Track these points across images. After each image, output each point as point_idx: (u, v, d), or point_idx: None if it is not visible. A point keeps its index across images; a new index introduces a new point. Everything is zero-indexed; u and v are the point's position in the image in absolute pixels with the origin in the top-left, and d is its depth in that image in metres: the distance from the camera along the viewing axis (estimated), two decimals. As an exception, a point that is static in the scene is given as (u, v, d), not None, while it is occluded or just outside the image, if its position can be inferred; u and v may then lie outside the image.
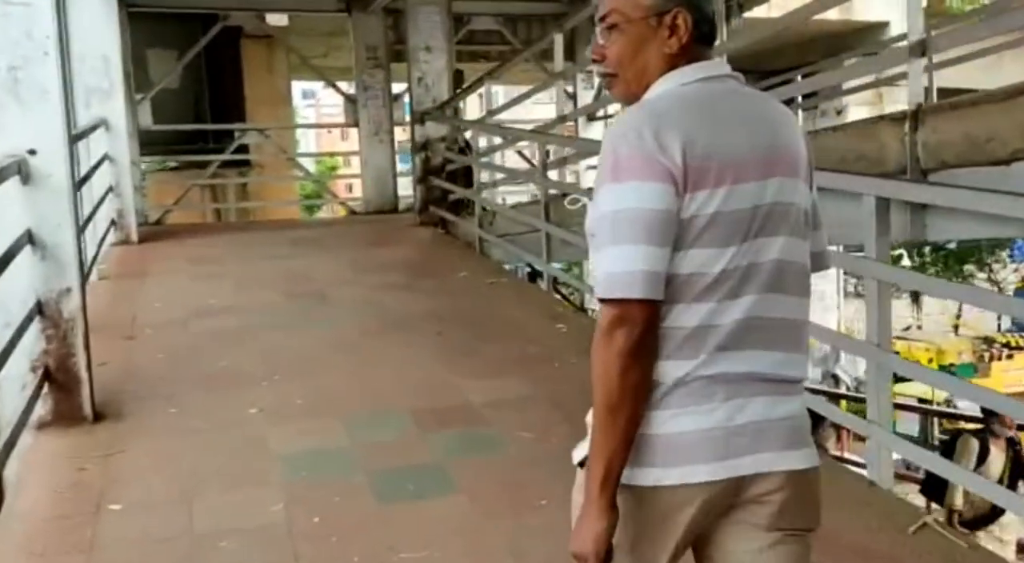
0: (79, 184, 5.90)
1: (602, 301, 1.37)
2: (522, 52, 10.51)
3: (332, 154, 17.65)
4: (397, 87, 11.50)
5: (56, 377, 3.65)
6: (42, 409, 3.63)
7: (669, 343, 1.40)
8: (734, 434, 1.41)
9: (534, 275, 9.23)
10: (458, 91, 8.90)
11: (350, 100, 11.26)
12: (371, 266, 6.83)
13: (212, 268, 6.82)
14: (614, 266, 1.36)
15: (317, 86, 25.14)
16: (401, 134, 11.43)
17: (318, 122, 27.22)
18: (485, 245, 7.26)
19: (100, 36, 7.84)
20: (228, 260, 7.20)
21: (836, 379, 17.38)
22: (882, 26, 14.50)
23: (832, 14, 14.24)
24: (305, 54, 14.25)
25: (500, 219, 7.54)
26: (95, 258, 6.57)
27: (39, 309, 3.63)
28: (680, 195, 1.37)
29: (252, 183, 12.71)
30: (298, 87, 23.67)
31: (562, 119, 8.59)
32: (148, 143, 11.86)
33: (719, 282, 1.40)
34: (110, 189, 7.86)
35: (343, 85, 12.45)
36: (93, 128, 7.30)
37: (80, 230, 4.46)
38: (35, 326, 3.61)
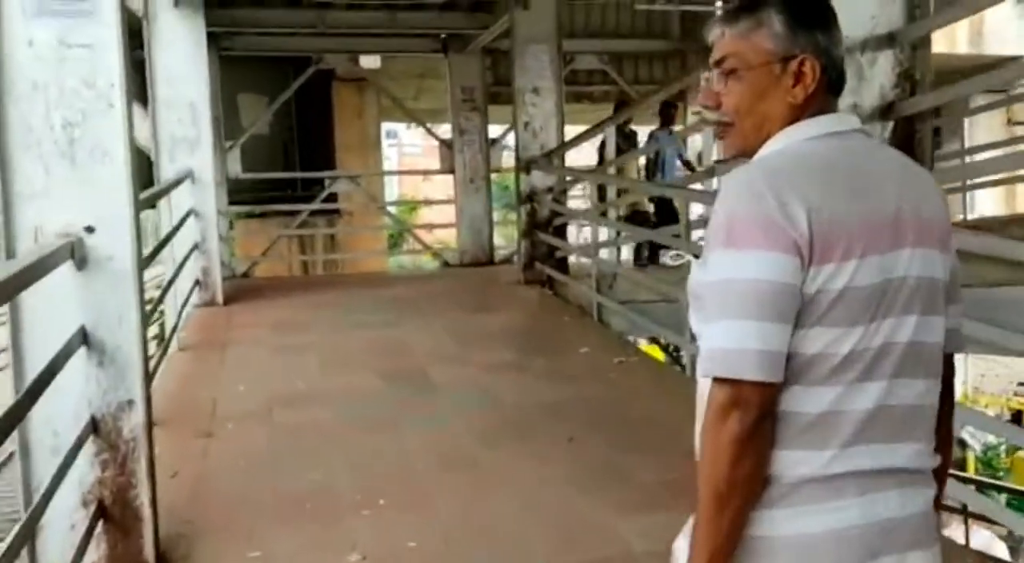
0: (153, 254, 5.30)
1: (714, 380, 1.23)
2: (641, 94, 9.72)
3: (426, 203, 17.06)
4: (494, 131, 10.84)
5: (112, 513, 2.90)
6: (94, 554, 2.89)
7: (789, 430, 1.26)
8: (869, 534, 1.26)
9: (668, 349, 8.34)
10: (574, 137, 8.11)
11: (445, 145, 10.61)
12: (475, 337, 6.04)
13: (299, 338, 6.12)
14: (726, 342, 1.22)
15: (399, 126, 24.73)
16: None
17: (401, 165, 26.93)
18: (604, 311, 6.41)
19: (188, 82, 7.32)
20: (316, 326, 6.50)
21: (963, 444, 15.85)
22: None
23: (963, 45, 13.12)
24: (400, 95, 13.81)
25: (622, 281, 6.67)
26: (176, 326, 5.95)
27: (93, 427, 2.90)
28: (804, 268, 1.22)
29: (340, 233, 12.14)
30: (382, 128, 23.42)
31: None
32: (236, 191, 11.43)
33: (847, 364, 1.25)
34: (195, 247, 7.28)
35: (436, 128, 11.84)
36: (176, 182, 6.73)
37: (148, 317, 3.74)
38: (87, 449, 2.89)
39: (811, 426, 1.26)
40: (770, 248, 1.22)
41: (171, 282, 6.02)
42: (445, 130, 11.02)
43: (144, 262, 4.36)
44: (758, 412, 1.22)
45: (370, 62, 11.26)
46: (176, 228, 6.63)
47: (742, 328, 1.22)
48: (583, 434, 4.08)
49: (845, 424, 1.26)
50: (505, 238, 12.98)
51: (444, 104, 15.09)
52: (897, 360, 1.28)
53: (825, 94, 1.35)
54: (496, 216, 11.12)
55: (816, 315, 1.24)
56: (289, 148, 13.02)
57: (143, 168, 8.68)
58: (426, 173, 15.31)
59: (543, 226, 7.89)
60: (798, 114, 1.34)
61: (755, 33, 1.34)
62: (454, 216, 10.44)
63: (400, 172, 24.30)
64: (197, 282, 7.31)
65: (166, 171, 7.24)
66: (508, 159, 11.89)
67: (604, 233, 7.33)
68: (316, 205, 10.57)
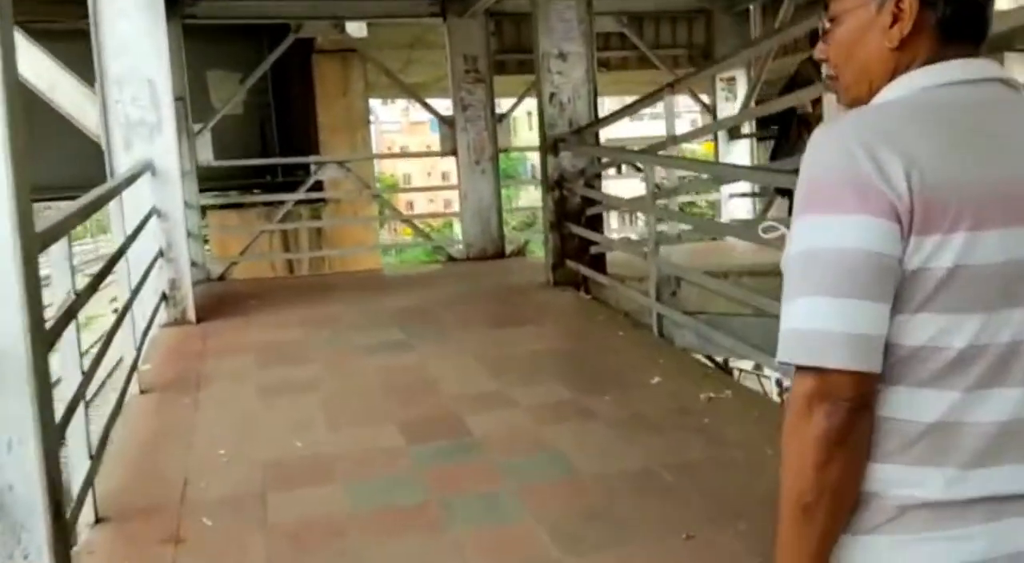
0: (101, 275, 4.06)
1: (796, 370, 1.02)
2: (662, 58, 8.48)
3: (428, 189, 15.68)
4: (500, 105, 9.58)
5: None
6: None
7: (895, 441, 1.04)
8: None
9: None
10: (619, 110, 6.88)
11: (445, 122, 9.34)
12: (512, 363, 4.85)
13: (293, 370, 4.89)
14: (806, 322, 1.01)
15: (374, 103, 23.36)
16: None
17: (379, 145, 25.52)
18: (664, 323, 5.21)
19: (145, 55, 6.02)
20: (312, 352, 5.27)
21: None
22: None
23: None
24: (378, 70, 12.48)
25: (686, 288, 5.46)
26: (136, 360, 4.70)
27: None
28: (904, 237, 1.00)
29: (328, 225, 10.86)
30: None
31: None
32: (207, 179, 10.11)
33: (965, 363, 1.02)
34: (160, 254, 6.02)
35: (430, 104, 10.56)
36: (132, 177, 5.45)
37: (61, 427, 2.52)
38: None
39: (923, 438, 1.03)
40: (861, 211, 1.00)
41: (129, 303, 4.77)
42: (443, 106, 9.75)
43: (86, 294, 3.14)
44: (850, 406, 1.01)
45: (356, 30, 9.94)
46: (134, 233, 5.38)
47: (826, 306, 1.00)
48: (702, 525, 2.89)
49: (969, 438, 1.03)
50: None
51: (437, 76, 13.82)
52: None
53: (937, 36, 1.11)
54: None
55: (920, 298, 1.01)
56: (266, 130, 11.68)
57: (93, 158, 7.40)
58: (426, 155, 13.97)
59: (574, 216, 6.68)
60: (903, 62, 1.12)
61: None
62: (449, 203, 9.22)
63: (398, 155, 22.96)
64: (164, 297, 6.07)
65: (120, 163, 5.96)
66: (520, 137, 10.61)
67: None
68: (301, 195, 9.26)
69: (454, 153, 9.33)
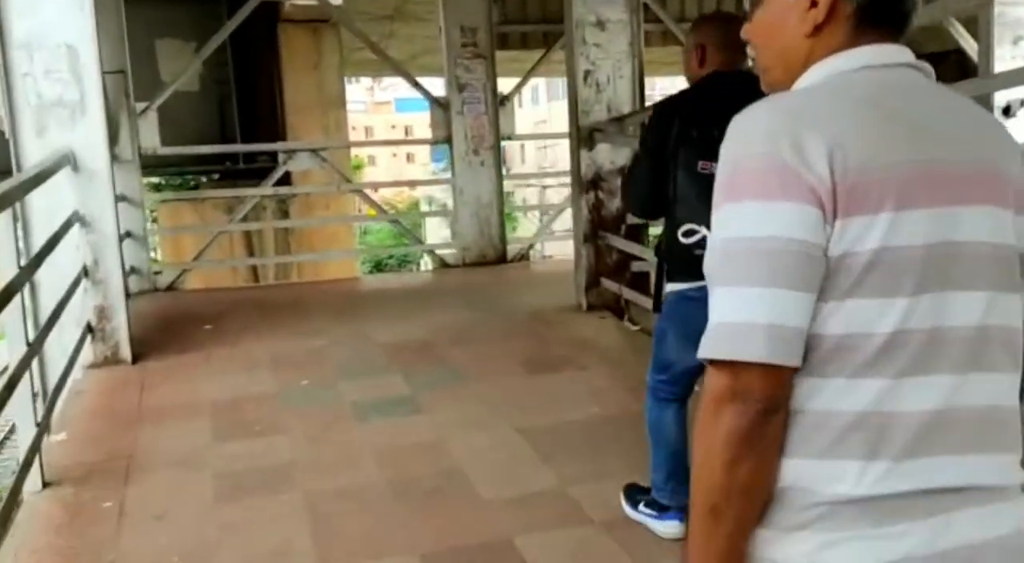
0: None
1: (709, 364, 0.98)
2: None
3: (414, 183, 14.26)
4: (502, 86, 8.21)
5: None
6: None
7: (823, 434, 0.98)
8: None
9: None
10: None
11: (439, 105, 7.95)
12: (569, 439, 3.54)
13: (262, 450, 3.55)
14: (726, 314, 0.97)
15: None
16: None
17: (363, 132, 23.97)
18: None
19: (63, 13, 4.57)
20: (286, 414, 3.92)
21: None
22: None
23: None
24: (352, 44, 11.02)
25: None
26: (40, 429, 3.30)
27: None
28: (828, 222, 0.96)
29: (302, 225, 9.42)
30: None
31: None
32: (153, 166, 8.66)
33: (892, 349, 0.97)
34: (83, 273, 4.61)
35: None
36: (41, 174, 4.02)
37: None
38: None
39: (852, 430, 0.98)
40: (782, 197, 0.96)
41: (34, 348, 3.36)
42: (432, 87, 8.36)
43: None
44: (763, 405, 0.96)
45: (331, -5, 8.50)
46: (45, 249, 3.98)
47: (748, 297, 0.96)
48: None
49: (899, 429, 0.98)
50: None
51: (416, 51, 12.39)
52: (967, 348, 0.99)
53: (855, 24, 1.07)
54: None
55: (847, 283, 0.97)
56: (226, 109, 10.22)
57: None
58: (416, 142, 12.65)
59: (613, 225, 5.37)
60: (819, 48, 1.09)
61: None
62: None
63: (384, 142, 21.51)
64: (89, 329, 4.65)
65: (29, 153, 4.52)
66: (524, 124, 9.31)
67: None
68: (268, 190, 7.80)
69: (448, 140, 7.96)
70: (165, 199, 9.58)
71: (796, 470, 1.00)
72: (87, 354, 4.64)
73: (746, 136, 1.02)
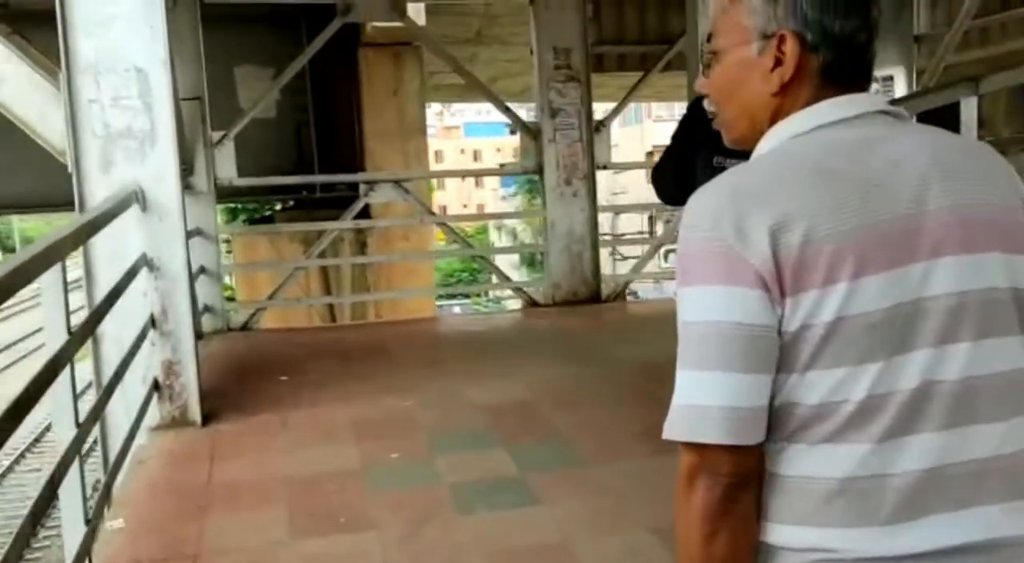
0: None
1: (680, 445, 1.02)
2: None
3: (502, 216, 13.74)
4: (598, 111, 7.63)
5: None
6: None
7: (809, 502, 1.00)
8: None
9: None
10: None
11: (528, 132, 7.39)
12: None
13: (349, 547, 2.98)
14: (686, 398, 1.01)
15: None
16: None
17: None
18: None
19: (132, 33, 4.13)
20: (373, 502, 3.33)
21: None
22: None
23: None
24: (433, 68, 10.57)
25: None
26: (101, 507, 2.78)
27: None
28: (777, 301, 0.98)
29: (386, 260, 8.94)
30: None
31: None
32: (229, 195, 8.28)
33: (867, 414, 0.98)
34: (151, 323, 4.13)
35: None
36: (106, 214, 3.55)
37: None
38: None
39: (838, 497, 0.99)
40: (725, 282, 0.99)
41: (84, 429, 2.85)
42: (523, 110, 7.81)
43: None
44: (729, 480, 1.00)
45: (414, 14, 8.02)
46: (105, 303, 3.50)
47: (702, 381, 1.00)
48: None
49: (889, 493, 0.98)
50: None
51: (500, 75, 11.90)
52: (950, 403, 0.99)
53: (821, 81, 1.07)
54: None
55: (807, 355, 0.99)
56: (303, 137, 9.85)
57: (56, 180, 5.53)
58: (505, 174, 12.17)
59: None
60: (785, 106, 1.09)
61: (735, 6, 1.11)
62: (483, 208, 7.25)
63: (471, 172, 21.33)
64: (155, 387, 4.16)
65: (94, 190, 4.07)
66: (621, 152, 8.66)
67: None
68: (348, 223, 7.32)
69: (539, 171, 7.38)
70: (240, 232, 9.18)
71: (782, 534, 1.02)
72: (153, 414, 4.15)
73: (695, 220, 1.03)
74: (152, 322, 4.15)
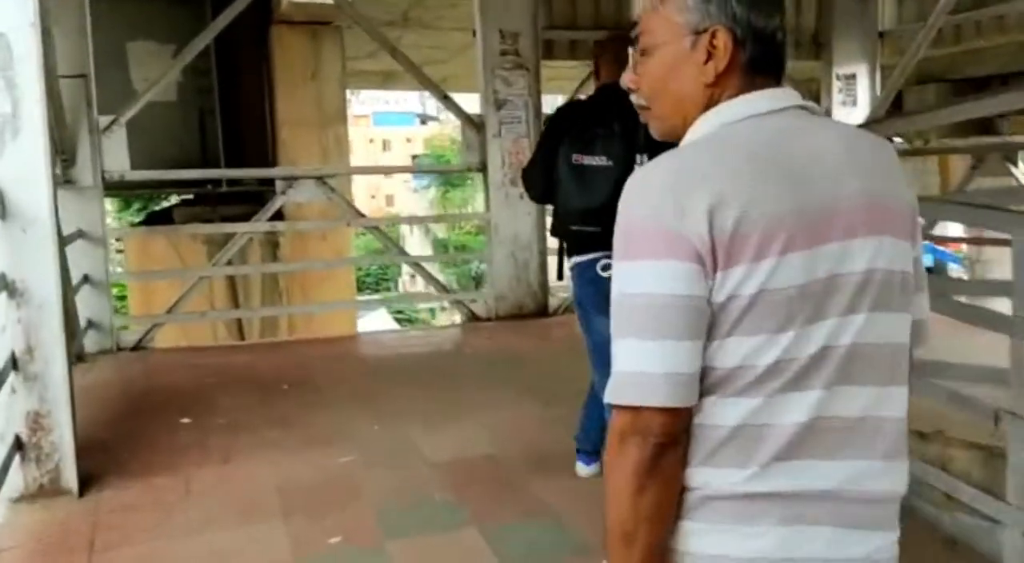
0: None
1: (613, 407, 1.09)
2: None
3: (444, 219, 12.73)
4: (547, 103, 6.86)
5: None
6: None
7: (704, 445, 1.10)
8: None
9: None
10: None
11: (471, 124, 6.58)
12: None
13: None
14: (626, 364, 1.07)
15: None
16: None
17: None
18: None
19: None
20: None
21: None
22: None
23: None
24: (356, 52, 9.62)
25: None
26: None
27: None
28: (710, 274, 1.06)
29: (305, 268, 7.96)
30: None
31: None
32: (118, 187, 7.22)
33: (770, 375, 1.08)
34: (11, 367, 3.17)
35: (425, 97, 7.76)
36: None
37: None
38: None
39: (728, 441, 1.09)
40: (666, 256, 1.06)
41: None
42: (466, 101, 6.98)
43: None
44: (662, 440, 1.06)
45: (339, -10, 7.07)
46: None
47: (640, 348, 1.06)
48: None
49: (770, 439, 1.08)
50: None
51: (424, 62, 11.01)
52: (837, 366, 1.10)
53: (747, 72, 1.16)
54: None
55: (728, 324, 1.07)
56: (207, 124, 8.78)
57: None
58: (448, 171, 11.39)
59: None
60: (715, 95, 1.17)
61: (665, 5, 1.18)
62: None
63: (401, 169, 20.36)
64: (18, 445, 3.21)
65: (-69, 195, 3.08)
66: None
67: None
68: (263, 225, 6.37)
69: (481, 169, 6.58)
70: (132, 233, 8.10)
71: (688, 474, 1.09)
72: (14, 482, 3.20)
73: (637, 199, 1.09)
74: (13, 363, 3.20)
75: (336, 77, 8.85)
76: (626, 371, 1.06)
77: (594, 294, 2.99)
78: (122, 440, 3.86)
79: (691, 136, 1.16)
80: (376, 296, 27.82)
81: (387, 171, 40.14)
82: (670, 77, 1.17)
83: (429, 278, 7.09)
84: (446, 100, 6.69)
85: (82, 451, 3.36)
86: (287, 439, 3.85)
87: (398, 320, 27.33)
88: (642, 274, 1.06)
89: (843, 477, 1.09)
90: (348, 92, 11.28)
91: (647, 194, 1.08)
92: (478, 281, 32.33)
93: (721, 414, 1.08)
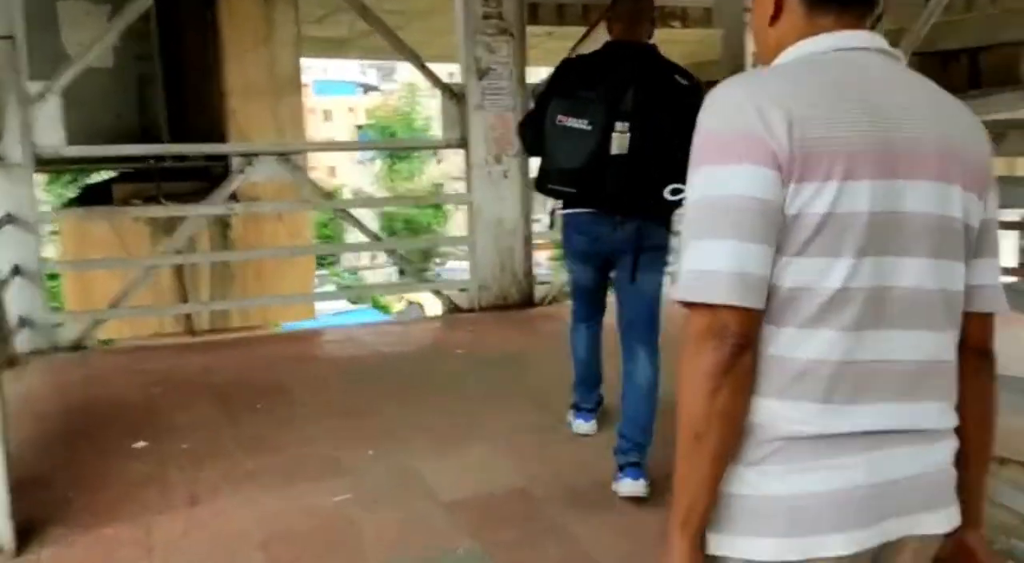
0: None
1: (686, 306, 1.12)
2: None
3: (420, 201, 11.77)
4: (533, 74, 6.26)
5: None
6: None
7: (778, 376, 1.12)
8: (874, 495, 1.14)
9: None
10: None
11: (452, 94, 5.96)
12: None
13: None
14: (699, 263, 1.10)
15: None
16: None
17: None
18: None
19: None
20: None
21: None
22: None
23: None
24: (310, 16, 8.88)
25: None
26: None
27: None
28: (785, 184, 1.09)
29: (272, 255, 7.24)
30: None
31: None
32: (48, 163, 6.45)
33: (837, 304, 1.11)
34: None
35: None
36: None
37: None
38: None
39: (804, 374, 1.12)
40: (746, 160, 1.09)
41: None
42: (443, 71, 6.35)
43: None
44: (737, 340, 1.09)
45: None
46: None
47: (717, 248, 1.09)
48: None
49: (845, 376, 1.12)
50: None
51: (398, 27, 10.29)
52: (903, 306, 1.14)
53: (806, 9, 1.21)
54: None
55: (799, 241, 1.10)
56: (148, 92, 7.97)
57: None
58: (427, 147, 10.77)
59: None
60: (781, 34, 1.23)
61: None
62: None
63: (375, 146, 19.70)
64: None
65: None
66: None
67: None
68: (218, 208, 5.69)
69: (462, 145, 5.97)
70: (66, 203, 7.31)
71: (757, 406, 1.12)
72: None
73: (718, 107, 1.13)
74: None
75: (290, 42, 8.09)
76: (694, 269, 1.08)
77: (631, 250, 3.00)
78: (65, 473, 3.22)
79: (778, 61, 1.21)
80: (338, 281, 26.98)
81: (357, 147, 38.79)
82: (756, 17, 1.26)
83: (404, 262, 6.45)
84: (423, 68, 6.04)
85: (19, 489, 2.72)
86: (264, 471, 3.24)
87: (351, 300, 26.56)
88: (721, 177, 1.09)
89: (913, 417, 1.15)
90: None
91: (728, 104, 1.12)
92: (427, 255, 31.59)
93: (795, 345, 1.10)
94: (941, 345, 1.17)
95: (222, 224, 7.88)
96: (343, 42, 11.79)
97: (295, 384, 4.34)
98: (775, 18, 1.22)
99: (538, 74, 6.56)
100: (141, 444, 3.54)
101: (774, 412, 1.11)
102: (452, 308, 6.04)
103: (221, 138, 7.85)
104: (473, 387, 4.23)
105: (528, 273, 6.11)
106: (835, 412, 1.11)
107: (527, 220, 6.05)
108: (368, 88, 47.51)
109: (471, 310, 5.99)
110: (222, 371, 4.66)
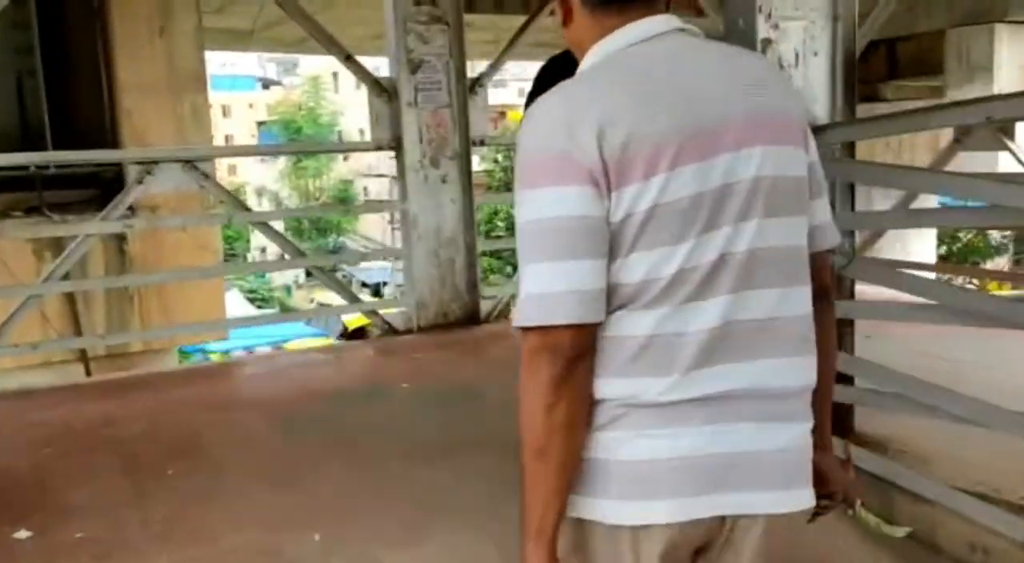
0: None
1: (523, 329, 1.14)
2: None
3: (349, 211, 10.68)
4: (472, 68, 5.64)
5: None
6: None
7: (620, 355, 1.15)
8: (714, 464, 1.15)
9: None
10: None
11: (381, 90, 5.31)
12: None
13: None
14: (534, 287, 1.13)
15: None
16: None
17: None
18: None
19: None
20: None
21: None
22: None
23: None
24: (210, 5, 8.05)
25: None
26: None
27: None
28: (606, 195, 1.12)
29: (175, 278, 6.40)
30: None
31: None
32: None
33: (675, 285, 1.14)
34: None
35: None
36: None
37: None
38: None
39: (644, 351, 1.14)
40: (563, 182, 1.12)
41: None
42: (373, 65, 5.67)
43: None
44: (570, 354, 1.12)
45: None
46: None
47: (549, 271, 1.12)
48: None
49: (686, 347, 1.14)
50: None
51: (282, 19, 9.51)
52: (739, 271, 1.16)
53: (591, 9, 1.23)
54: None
55: (629, 242, 1.13)
56: (27, 90, 7.05)
57: None
58: (354, 149, 10.13)
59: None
60: (579, 34, 1.26)
61: None
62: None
63: (293, 150, 18.93)
64: None
65: None
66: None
67: None
68: (114, 225, 4.91)
69: (394, 146, 5.33)
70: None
71: (604, 386, 1.15)
72: None
73: (534, 126, 1.16)
74: None
75: (191, 32, 7.25)
76: (531, 293, 1.11)
77: None
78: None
79: (582, 66, 1.23)
80: (242, 285, 25.81)
81: (275, 152, 37.28)
82: (563, 16, 1.27)
83: (334, 283, 5.77)
84: (349, 61, 5.36)
85: None
86: (186, 570, 2.57)
87: (251, 300, 25.40)
88: (542, 200, 1.11)
89: (758, 375, 1.16)
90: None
91: (539, 125, 1.15)
92: (335, 251, 30.51)
93: (632, 325, 1.13)
94: (786, 300, 1.18)
95: (118, 237, 7.02)
96: (246, 34, 10.93)
97: (215, 439, 3.64)
98: (566, 23, 1.26)
99: (477, 68, 5.94)
100: (24, 534, 2.82)
101: (618, 389, 1.14)
102: (387, 330, 5.40)
103: (114, 142, 6.99)
104: (430, 436, 3.61)
105: (473, 287, 5.52)
106: (675, 383, 1.13)
107: (469, 226, 5.45)
108: (268, 83, 45.95)
109: (408, 331, 5.36)
110: (126, 422, 3.92)
